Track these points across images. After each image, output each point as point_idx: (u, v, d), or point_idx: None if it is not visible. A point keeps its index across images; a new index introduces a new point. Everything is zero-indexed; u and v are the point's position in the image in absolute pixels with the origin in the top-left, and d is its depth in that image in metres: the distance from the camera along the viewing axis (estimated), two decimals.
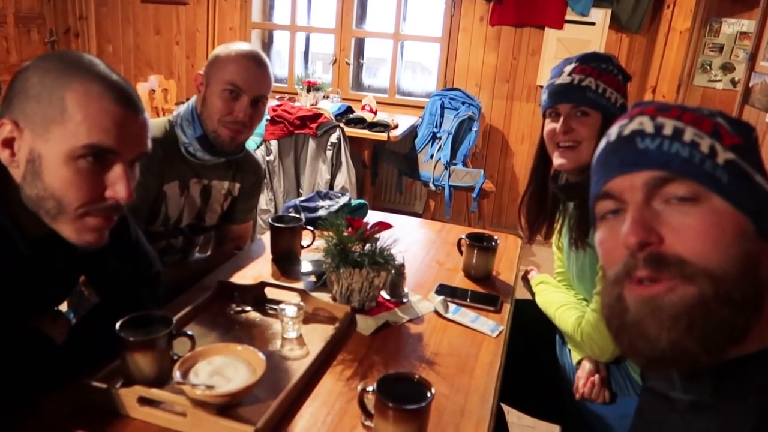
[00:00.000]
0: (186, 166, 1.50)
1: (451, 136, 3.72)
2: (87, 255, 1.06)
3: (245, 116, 1.43)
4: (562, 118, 1.32)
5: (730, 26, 2.67)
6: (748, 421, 0.58)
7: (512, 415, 1.72)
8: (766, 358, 0.61)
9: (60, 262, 0.99)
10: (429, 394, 0.85)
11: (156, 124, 1.48)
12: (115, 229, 1.10)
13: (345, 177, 3.25)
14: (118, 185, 0.86)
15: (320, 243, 1.31)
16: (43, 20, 4.40)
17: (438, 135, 3.78)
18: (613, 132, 0.69)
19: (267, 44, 4.73)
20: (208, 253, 1.73)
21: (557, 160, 1.35)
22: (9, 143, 0.84)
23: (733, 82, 3.31)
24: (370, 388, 0.88)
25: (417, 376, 0.90)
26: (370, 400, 0.90)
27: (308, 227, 1.56)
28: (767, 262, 0.61)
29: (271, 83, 1.49)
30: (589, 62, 1.32)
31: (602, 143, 0.71)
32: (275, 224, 1.50)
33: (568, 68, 1.33)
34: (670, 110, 0.65)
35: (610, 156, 0.68)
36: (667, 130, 0.64)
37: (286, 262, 1.51)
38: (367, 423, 0.92)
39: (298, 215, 1.62)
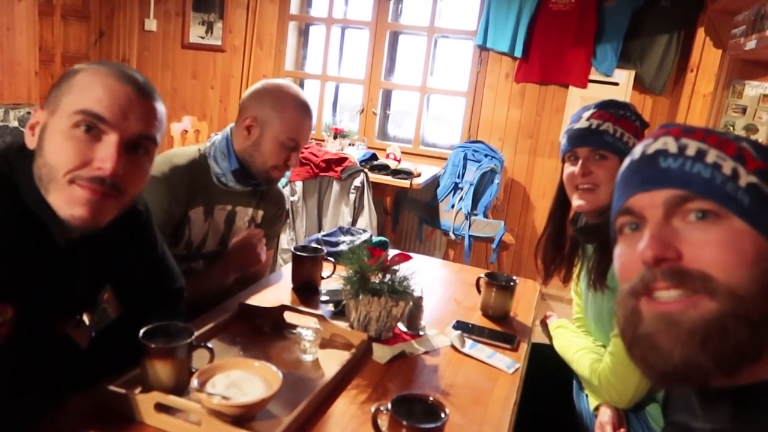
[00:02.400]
0: (212, 193, 1.55)
1: (472, 187, 3.75)
2: (113, 263, 1.10)
3: (297, 164, 1.54)
4: (580, 161, 1.35)
5: (753, 89, 2.71)
6: None
7: None
8: None
9: (88, 265, 1.02)
10: (443, 415, 0.85)
11: (184, 153, 1.54)
12: (141, 240, 1.14)
13: (366, 221, 3.29)
14: (105, 157, 0.87)
15: (339, 275, 1.34)
16: (87, 61, 4.63)
17: (460, 185, 3.81)
18: (637, 151, 0.70)
19: None
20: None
21: (576, 202, 1.37)
22: (33, 127, 0.92)
23: None
24: (384, 408, 0.89)
25: (432, 398, 0.90)
26: (384, 421, 0.90)
27: (329, 258, 1.58)
28: None
29: None
30: (607, 108, 1.36)
31: (626, 161, 0.72)
32: (297, 253, 1.53)
33: (587, 114, 1.37)
34: (695, 132, 0.67)
35: (632, 173, 0.69)
36: (690, 151, 0.64)
37: (305, 290, 1.53)
38: None
39: (320, 246, 1.65)
